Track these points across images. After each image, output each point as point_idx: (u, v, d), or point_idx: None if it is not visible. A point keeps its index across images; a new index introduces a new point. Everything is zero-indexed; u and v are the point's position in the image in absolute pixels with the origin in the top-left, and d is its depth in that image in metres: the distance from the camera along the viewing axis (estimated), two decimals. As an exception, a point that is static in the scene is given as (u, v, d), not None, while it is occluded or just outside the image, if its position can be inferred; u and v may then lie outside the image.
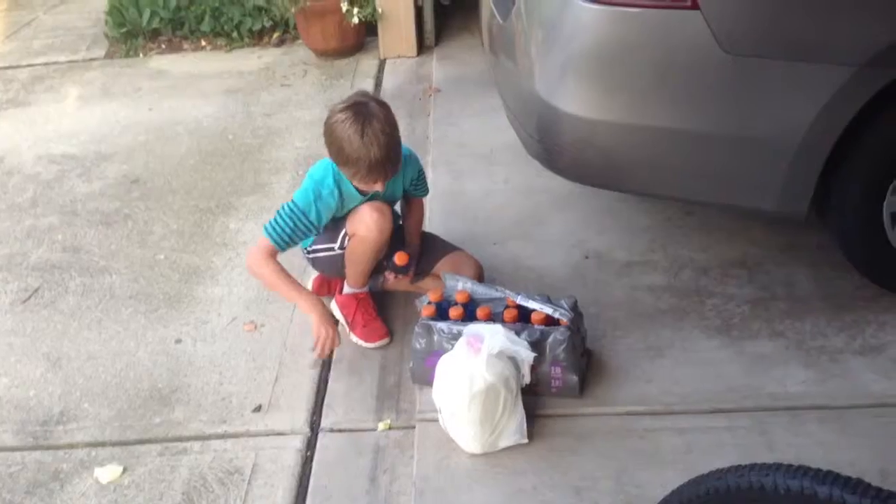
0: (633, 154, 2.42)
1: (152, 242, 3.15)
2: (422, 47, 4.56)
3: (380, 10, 4.40)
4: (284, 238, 2.34)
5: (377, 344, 2.51)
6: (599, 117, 2.36)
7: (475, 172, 3.37)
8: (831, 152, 2.18)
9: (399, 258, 2.52)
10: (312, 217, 2.34)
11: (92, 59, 4.97)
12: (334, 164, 2.34)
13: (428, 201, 3.13)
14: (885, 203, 2.27)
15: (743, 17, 2.10)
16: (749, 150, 2.25)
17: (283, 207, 2.35)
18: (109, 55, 5.01)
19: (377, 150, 2.21)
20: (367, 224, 2.39)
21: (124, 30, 5.01)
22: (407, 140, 3.75)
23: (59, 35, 5.39)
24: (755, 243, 2.78)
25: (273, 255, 2.34)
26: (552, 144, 2.55)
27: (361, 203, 2.43)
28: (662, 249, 2.79)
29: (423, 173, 2.66)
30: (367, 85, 4.28)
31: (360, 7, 4.39)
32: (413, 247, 2.65)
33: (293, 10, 4.51)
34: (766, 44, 2.11)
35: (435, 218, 3.07)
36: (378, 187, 2.32)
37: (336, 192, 2.36)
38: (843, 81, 2.07)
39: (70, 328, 2.74)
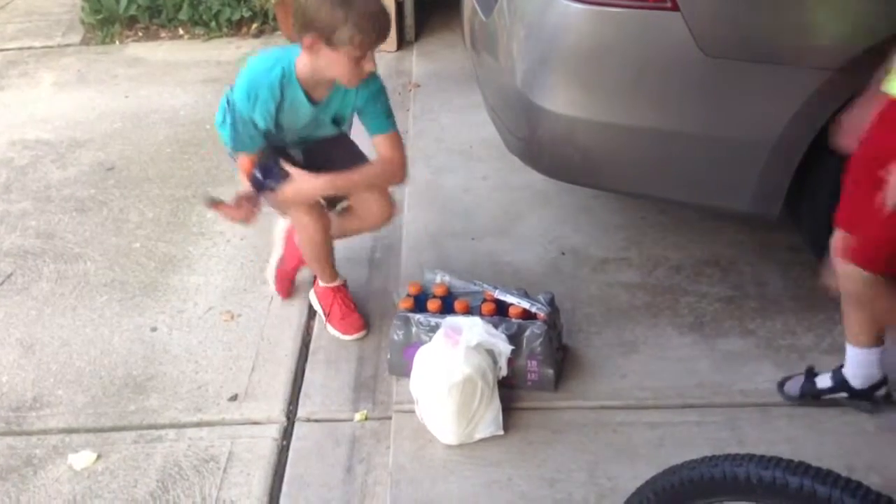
0: (611, 152, 2.45)
1: (128, 230, 3.13)
2: (402, 42, 4.56)
3: (360, 4, 4.40)
4: (242, 144, 2.26)
5: (354, 336, 2.52)
6: (579, 115, 2.39)
7: (454, 168, 3.39)
8: (804, 155, 2.22)
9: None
10: (257, 120, 2.20)
11: (67, 45, 4.91)
12: (288, 59, 2.16)
13: (406, 195, 3.16)
14: (856, 206, 2.32)
15: (722, 19, 2.14)
16: (724, 151, 2.29)
17: (225, 107, 2.29)
18: (85, 41, 4.95)
19: (370, 2, 2.04)
20: (303, 225, 2.37)
21: (100, 16, 4.95)
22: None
23: (34, 20, 5.32)
24: (728, 243, 2.83)
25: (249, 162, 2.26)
26: (532, 141, 2.57)
27: (306, 125, 2.28)
28: (637, 247, 2.83)
29: (386, 102, 2.31)
30: (347, 78, 4.27)
31: (341, 0, 4.38)
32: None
33: (273, 0, 4.49)
34: (744, 46, 2.15)
35: (413, 212, 3.08)
36: (368, 66, 2.09)
37: (277, 93, 2.17)
38: (817, 85, 2.11)
39: (44, 314, 2.72)
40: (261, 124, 2.21)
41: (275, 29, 4.88)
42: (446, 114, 3.80)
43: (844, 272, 1.94)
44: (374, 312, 2.62)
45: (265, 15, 4.89)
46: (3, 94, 4.34)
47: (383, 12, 2.07)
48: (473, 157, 3.44)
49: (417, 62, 4.40)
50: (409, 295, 2.38)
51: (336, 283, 2.55)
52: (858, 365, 2.09)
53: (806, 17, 2.13)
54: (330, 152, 2.41)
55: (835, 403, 2.14)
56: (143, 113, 4.00)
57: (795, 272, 2.65)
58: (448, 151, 3.50)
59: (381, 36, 2.07)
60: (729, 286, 2.64)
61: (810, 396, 2.16)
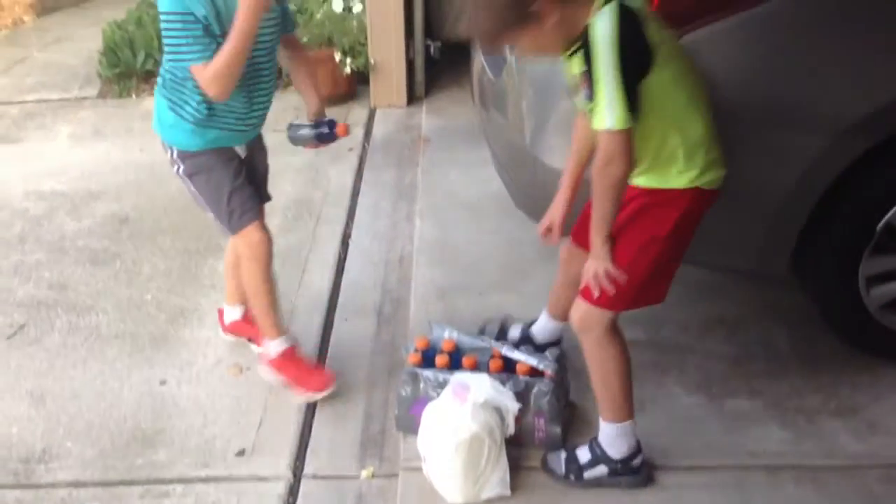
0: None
1: (140, 282, 3.17)
2: (412, 98, 4.65)
3: (372, 61, 4.49)
4: (189, 48, 2.13)
5: (330, 390, 2.48)
6: (586, 173, 2.42)
7: (463, 222, 3.42)
8: (809, 215, 2.25)
9: (342, 130, 2.44)
10: (191, 6, 2.09)
11: (84, 98, 5.02)
12: None
13: (416, 249, 3.19)
14: (860, 267, 2.34)
15: (725, 82, 2.18)
16: (729, 210, 2.31)
17: (164, 30, 2.16)
18: (102, 94, 5.06)
19: None
20: (250, 244, 2.37)
21: (118, 70, 5.07)
22: (395, 189, 3.86)
23: (52, 73, 5.44)
24: (735, 301, 2.84)
25: (206, 65, 2.14)
26: (539, 198, 2.61)
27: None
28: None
29: None
30: (358, 133, 4.35)
31: (353, 57, 4.48)
32: (318, 104, 2.50)
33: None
34: (750, 108, 2.19)
35: (422, 266, 3.11)
36: None
37: None
38: (821, 148, 2.16)
39: (55, 366, 2.74)
40: (199, 10, 2.10)
41: (288, 84, 4.96)
42: (455, 169, 3.85)
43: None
44: (381, 367, 2.63)
45: (280, 71, 4.97)
46: (21, 146, 4.43)
47: None
48: (482, 211, 3.48)
49: (427, 117, 4.48)
50: (416, 350, 2.39)
51: (287, 343, 2.49)
52: (616, 436, 2.11)
53: (810, 81, 2.18)
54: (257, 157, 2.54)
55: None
56: (157, 165, 4.05)
57: (802, 332, 2.65)
58: (457, 206, 3.55)
59: None
60: (736, 345, 2.64)
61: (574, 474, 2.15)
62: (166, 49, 2.21)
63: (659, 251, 1.97)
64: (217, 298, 3.03)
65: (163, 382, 2.64)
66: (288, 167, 3.99)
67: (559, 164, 2.42)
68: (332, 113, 4.65)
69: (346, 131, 2.45)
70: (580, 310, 2.05)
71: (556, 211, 2.26)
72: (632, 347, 2.62)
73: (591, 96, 1.79)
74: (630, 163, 1.82)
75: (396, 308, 2.93)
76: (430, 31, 4.73)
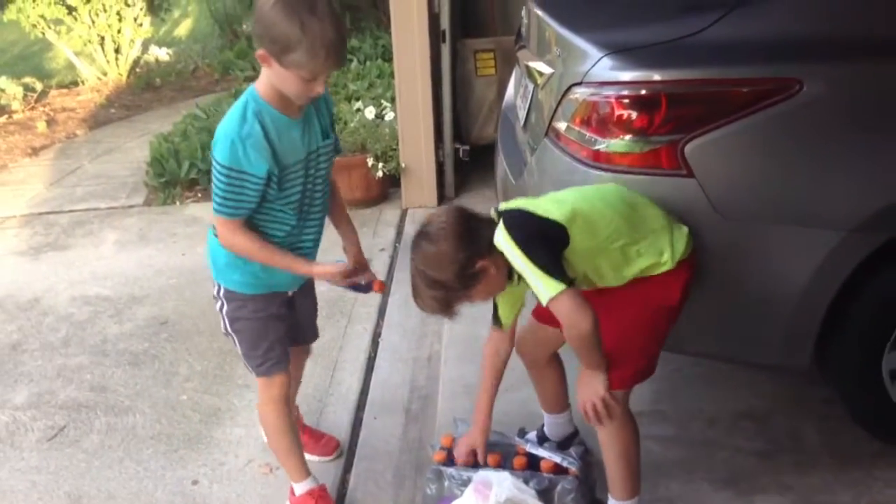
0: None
1: (176, 383, 3.26)
2: (442, 199, 4.79)
3: (403, 165, 4.66)
4: (231, 204, 2.08)
5: None
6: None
7: (489, 320, 3.45)
8: (829, 309, 2.27)
9: (378, 287, 2.40)
10: (247, 167, 2.04)
11: (131, 206, 5.25)
12: (251, 93, 2.08)
13: (444, 346, 3.25)
14: (883, 360, 2.34)
15: (737, 183, 2.25)
16: (749, 308, 2.34)
17: (213, 175, 2.09)
18: (148, 202, 5.29)
19: (325, 24, 1.92)
20: (269, 387, 2.36)
21: (163, 179, 5.31)
22: (425, 287, 3.93)
23: (102, 183, 5.72)
24: (762, 395, 2.83)
25: (239, 227, 2.14)
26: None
27: (303, 146, 2.15)
28: (670, 400, 2.84)
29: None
30: (389, 233, 4.48)
31: (385, 162, 4.65)
32: (353, 243, 2.45)
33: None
34: (760, 208, 2.25)
35: (450, 363, 3.16)
36: (319, 88, 2.02)
37: (258, 128, 2.04)
38: (834, 245, 2.19)
39: (92, 467, 2.81)
40: (261, 169, 2.06)
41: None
42: (484, 267, 3.92)
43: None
44: (408, 465, 2.66)
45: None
46: (68, 253, 4.63)
47: (339, 40, 1.98)
48: (509, 309, 3.53)
49: (457, 217, 4.59)
50: (442, 448, 2.42)
51: (313, 485, 2.46)
52: None
53: (819, 180, 2.23)
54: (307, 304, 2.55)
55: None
56: (198, 269, 4.21)
57: (831, 425, 2.63)
58: (484, 304, 3.59)
59: (334, 63, 2.01)
60: (764, 440, 2.63)
61: None
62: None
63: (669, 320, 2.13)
64: (251, 398, 3.10)
65: (195, 482, 2.70)
66: (322, 268, 4.12)
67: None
68: (365, 215, 4.84)
69: (382, 288, 2.45)
70: (598, 400, 2.09)
71: (476, 437, 2.37)
72: (660, 444, 2.64)
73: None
74: (590, 311, 1.96)
75: (424, 405, 2.97)
76: (458, 136, 4.91)
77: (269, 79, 2.06)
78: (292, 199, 2.18)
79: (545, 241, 2.02)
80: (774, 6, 2.28)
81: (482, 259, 2.05)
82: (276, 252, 2.19)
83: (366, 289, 2.39)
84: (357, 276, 2.33)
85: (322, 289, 3.90)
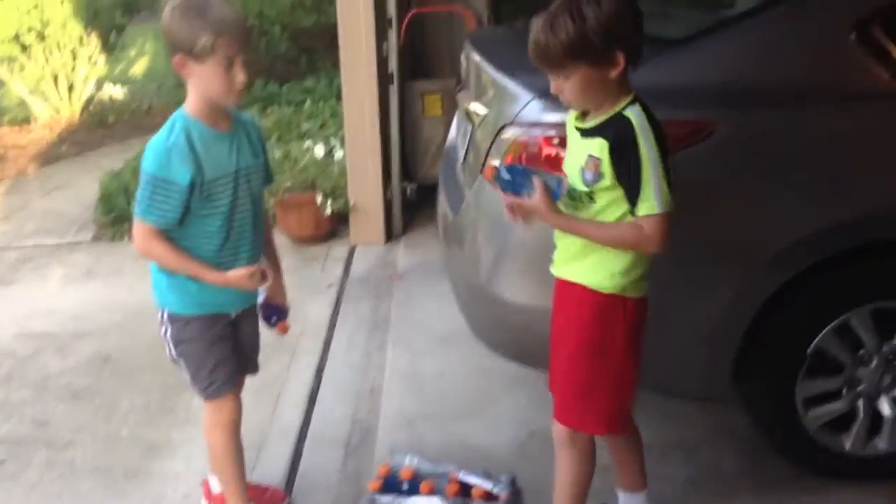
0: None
1: (118, 418, 3.27)
2: (390, 236, 4.88)
3: (352, 203, 4.75)
4: (155, 211, 2.15)
5: None
6: (536, 304, 2.57)
7: (432, 353, 3.55)
8: (743, 340, 2.39)
9: (282, 328, 2.47)
10: (171, 175, 2.11)
11: (79, 243, 5.25)
12: (179, 112, 2.18)
13: (386, 379, 3.30)
14: (796, 390, 2.46)
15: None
16: (671, 338, 2.44)
17: (140, 184, 2.17)
18: (96, 238, 5.29)
19: (222, 10, 2.06)
20: (219, 411, 2.39)
21: (112, 215, 5.33)
22: (370, 322, 4.01)
23: (50, 219, 5.70)
24: (692, 426, 2.93)
25: (155, 235, 2.18)
26: (497, 330, 2.76)
27: (232, 161, 2.21)
28: (603, 429, 2.92)
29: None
30: (337, 269, 4.54)
31: (334, 199, 4.74)
32: (276, 275, 2.50)
33: (272, 201, 4.86)
34: (677, 243, 2.36)
35: (391, 396, 3.22)
36: (240, 75, 2.08)
37: (184, 142, 2.13)
38: (744, 278, 2.32)
39: (30, 502, 2.80)
40: (184, 178, 2.13)
41: (272, 225, 5.22)
42: (428, 301, 4.01)
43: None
44: (347, 497, 2.69)
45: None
46: (14, 288, 4.61)
47: (239, 18, 2.13)
48: (451, 342, 3.61)
49: (404, 254, 4.69)
50: (378, 477, 2.48)
51: None
52: None
53: (729, 219, 2.34)
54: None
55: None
56: (144, 305, 4.15)
57: (753, 453, 2.74)
58: (428, 337, 3.69)
59: (242, 40, 2.09)
60: (693, 468, 2.72)
61: None
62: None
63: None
64: (191, 432, 3.12)
65: (133, 515, 2.71)
66: (269, 304, 4.16)
67: (513, 298, 2.59)
68: (314, 251, 4.89)
69: (286, 330, 2.49)
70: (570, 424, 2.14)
71: None
72: (595, 472, 2.71)
73: (594, 180, 1.92)
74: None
75: (364, 438, 3.02)
76: (406, 174, 5.02)
77: (194, 90, 2.16)
78: (219, 210, 2.22)
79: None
80: (691, 56, 2.43)
81: (624, 53, 1.87)
82: (189, 260, 2.22)
83: (272, 324, 2.43)
84: (272, 302, 2.40)
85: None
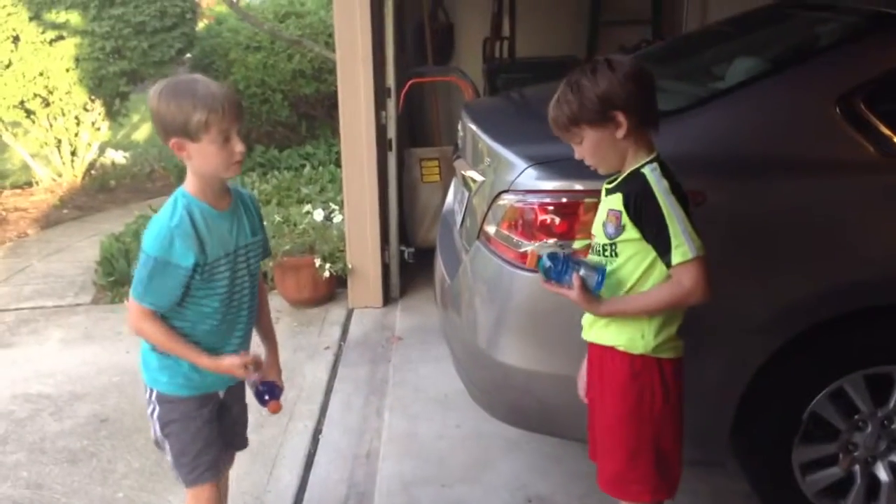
0: (566, 403, 2.64)
1: (113, 480, 3.25)
2: (388, 299, 4.91)
3: (350, 266, 4.80)
4: (152, 294, 2.12)
5: None
6: (535, 368, 2.61)
7: (430, 416, 3.56)
8: (739, 405, 2.42)
9: (273, 408, 2.32)
10: (174, 257, 2.10)
11: (78, 305, 5.27)
12: (180, 191, 2.17)
13: (383, 443, 3.31)
14: (793, 454, 2.48)
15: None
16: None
17: (139, 264, 2.14)
18: (95, 301, 5.31)
19: (210, 87, 2.06)
20: (197, 499, 2.33)
21: (112, 278, 5.36)
22: (367, 385, 4.02)
23: (50, 282, 5.74)
24: (685, 490, 2.91)
25: (149, 315, 2.16)
26: (494, 393, 2.79)
27: (233, 239, 2.22)
28: (599, 494, 2.91)
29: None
30: (335, 332, 4.57)
31: (332, 263, 4.79)
32: (273, 353, 2.45)
33: (271, 263, 4.91)
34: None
35: (388, 459, 3.22)
36: (238, 146, 2.09)
37: (189, 223, 2.12)
38: (738, 346, 2.37)
39: (22, 566, 2.78)
40: (188, 260, 2.11)
41: (271, 288, 5.26)
42: (425, 364, 4.04)
43: None
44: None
45: (264, 275, 5.27)
46: (12, 351, 4.62)
47: (228, 91, 2.11)
48: (449, 405, 3.62)
49: (401, 316, 4.72)
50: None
51: None
52: None
53: (720, 287, 2.39)
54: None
55: None
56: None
57: (751, 517, 2.74)
58: (425, 400, 3.70)
59: (235, 113, 2.08)
60: (689, 533, 2.72)
61: None
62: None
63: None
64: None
65: (127, 580, 2.68)
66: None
67: (510, 362, 2.62)
68: (311, 314, 4.93)
69: (277, 410, 2.34)
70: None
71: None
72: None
73: (616, 233, 2.02)
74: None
75: (360, 502, 3.01)
76: (404, 238, 5.09)
77: (193, 171, 2.15)
78: (219, 291, 2.21)
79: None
80: (683, 127, 2.51)
81: (625, 114, 1.99)
82: (182, 344, 2.19)
83: (262, 402, 2.33)
84: (266, 380, 2.32)
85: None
